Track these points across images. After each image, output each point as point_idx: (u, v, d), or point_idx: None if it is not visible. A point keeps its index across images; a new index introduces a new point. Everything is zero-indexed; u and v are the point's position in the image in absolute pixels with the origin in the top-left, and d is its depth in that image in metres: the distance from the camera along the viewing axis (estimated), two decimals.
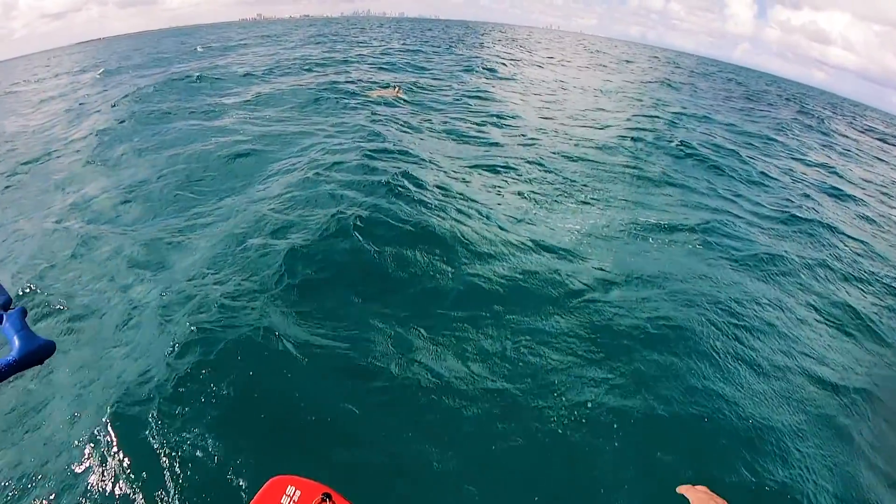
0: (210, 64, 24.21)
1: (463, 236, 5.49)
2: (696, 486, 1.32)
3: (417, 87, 16.64)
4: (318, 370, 3.68)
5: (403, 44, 35.08)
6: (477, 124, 11.86)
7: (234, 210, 6.34)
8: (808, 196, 10.67)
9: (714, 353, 4.27)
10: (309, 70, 18.88)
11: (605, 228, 6.61)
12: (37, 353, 1.03)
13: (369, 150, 8.02)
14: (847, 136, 24.23)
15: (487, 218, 6.15)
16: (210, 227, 5.94)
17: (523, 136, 11.29)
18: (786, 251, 7.20)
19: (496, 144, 10.10)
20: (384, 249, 5.12)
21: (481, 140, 10.35)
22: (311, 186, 6.54)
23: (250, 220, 5.74)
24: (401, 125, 10.59)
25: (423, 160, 7.97)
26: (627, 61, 45.41)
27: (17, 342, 1.03)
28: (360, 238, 5.18)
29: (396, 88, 14.55)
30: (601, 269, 5.41)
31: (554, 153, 9.81)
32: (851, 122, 33.92)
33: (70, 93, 21.30)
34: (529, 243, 5.67)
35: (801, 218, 8.97)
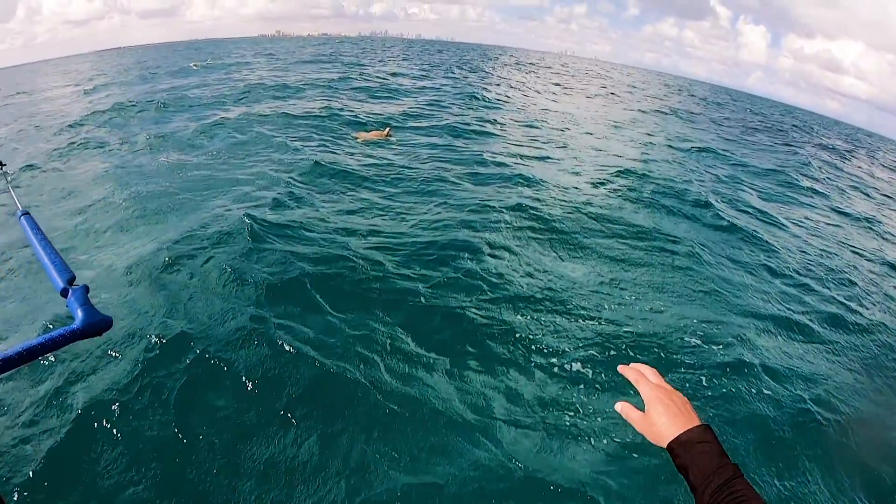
0: (193, 82, 22.58)
1: (371, 432, 3.17)
2: (642, 367, 1.07)
3: (401, 118, 14.53)
4: None
5: (399, 65, 33.11)
6: (454, 175, 9.60)
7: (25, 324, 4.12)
8: (872, 281, 8.24)
9: None
10: (283, 98, 16.83)
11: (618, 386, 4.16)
12: (97, 325, 1.08)
13: (264, 227, 5.72)
14: (877, 177, 21.78)
15: (426, 394, 3.60)
16: None
17: (514, 193, 8.96)
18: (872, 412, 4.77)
19: (472, 209, 7.76)
20: (217, 461, 2.86)
21: (452, 202, 8.03)
22: (144, 295, 4.25)
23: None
24: (342, 183, 8.25)
25: (341, 247, 5.51)
26: (641, 89, 43.23)
27: (80, 314, 1.08)
28: (178, 433, 2.92)
29: (386, 130, 12.21)
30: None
31: (549, 228, 7.40)
32: (874, 157, 31.45)
33: (44, 110, 19.71)
34: (487, 444, 3.30)
35: (871, 322, 6.58)
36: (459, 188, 8.69)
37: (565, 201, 8.75)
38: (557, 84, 34.45)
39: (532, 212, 7.90)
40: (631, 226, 7.86)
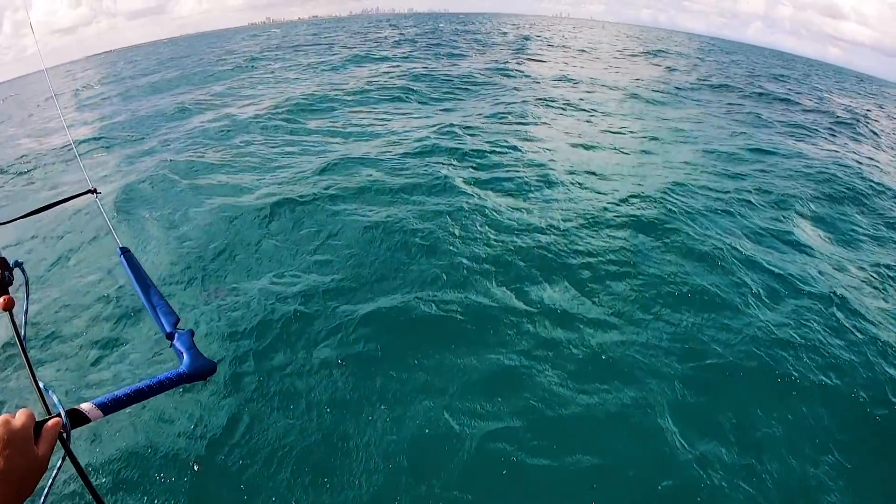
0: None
1: None
2: None
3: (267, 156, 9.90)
4: None
5: (346, 46, 26.12)
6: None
7: None
8: None
9: None
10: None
11: None
12: (203, 370, 1.03)
13: None
14: None
15: None
16: None
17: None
18: None
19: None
20: None
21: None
22: None
23: None
24: None
25: None
26: (651, 53, 36.25)
27: (186, 358, 1.04)
28: None
29: (214, 290, 5.43)
30: None
31: None
32: None
33: None
34: None
35: None
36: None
37: None
38: (546, 56, 28.29)
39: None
40: None
